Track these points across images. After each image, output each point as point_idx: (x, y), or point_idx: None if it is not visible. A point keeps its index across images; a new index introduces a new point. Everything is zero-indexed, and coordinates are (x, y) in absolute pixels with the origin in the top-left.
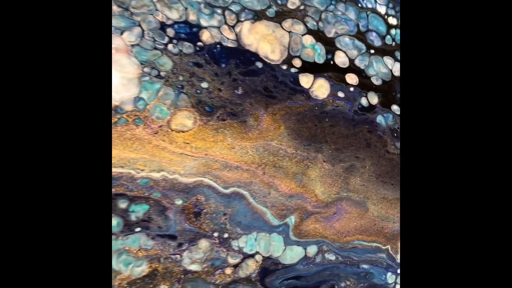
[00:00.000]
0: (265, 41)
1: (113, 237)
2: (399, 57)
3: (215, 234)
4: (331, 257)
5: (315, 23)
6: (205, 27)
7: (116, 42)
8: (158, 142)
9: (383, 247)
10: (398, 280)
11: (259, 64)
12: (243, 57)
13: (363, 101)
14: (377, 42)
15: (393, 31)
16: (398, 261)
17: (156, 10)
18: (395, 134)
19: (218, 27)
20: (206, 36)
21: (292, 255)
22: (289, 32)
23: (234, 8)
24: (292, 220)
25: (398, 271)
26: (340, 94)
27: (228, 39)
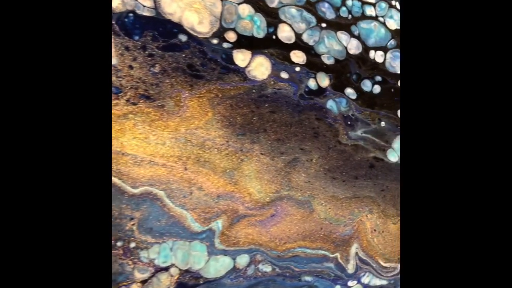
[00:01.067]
0: (191, 10)
1: None
2: (356, 32)
3: (118, 244)
4: (267, 268)
5: None
6: None
7: None
8: None
9: (331, 255)
10: None
11: (183, 37)
12: (162, 28)
13: (311, 83)
14: (330, 15)
15: (349, 2)
16: (349, 271)
17: None
18: (349, 122)
19: None
20: (115, 3)
21: (217, 267)
22: None
23: None
24: (219, 224)
25: (349, 283)
26: (284, 75)
27: (144, 6)
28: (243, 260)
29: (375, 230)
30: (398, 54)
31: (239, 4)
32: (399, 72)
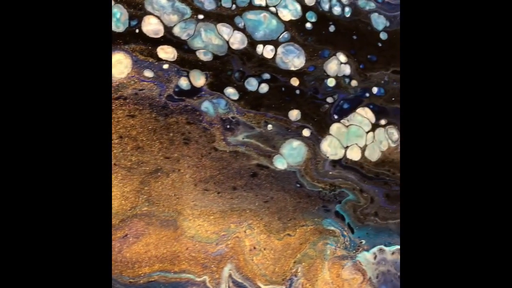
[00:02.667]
0: None
1: None
2: (241, 24)
3: None
4: None
5: None
6: None
7: None
8: None
9: (198, 279)
10: None
11: None
12: None
13: (183, 83)
14: (209, 5)
15: None
16: None
17: None
18: (228, 126)
19: None
20: None
21: None
22: None
23: None
24: None
25: None
26: (148, 74)
27: None
28: None
29: (255, 248)
30: (292, 48)
31: None
32: (292, 68)
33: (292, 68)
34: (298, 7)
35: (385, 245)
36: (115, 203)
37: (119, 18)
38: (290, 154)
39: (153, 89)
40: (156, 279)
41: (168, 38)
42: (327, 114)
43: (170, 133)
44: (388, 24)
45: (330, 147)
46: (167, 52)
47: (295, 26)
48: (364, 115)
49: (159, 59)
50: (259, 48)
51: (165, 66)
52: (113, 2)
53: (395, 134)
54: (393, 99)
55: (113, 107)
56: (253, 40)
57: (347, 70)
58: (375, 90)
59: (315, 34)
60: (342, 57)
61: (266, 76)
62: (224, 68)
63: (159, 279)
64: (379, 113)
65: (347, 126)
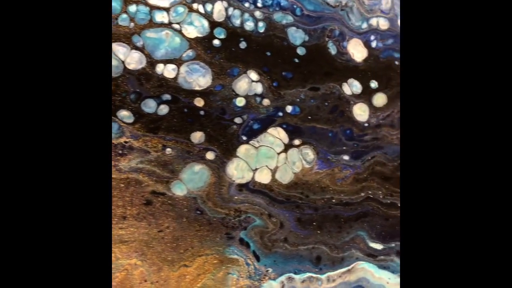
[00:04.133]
0: None
1: None
2: (139, 43)
3: None
4: None
5: None
6: None
7: None
8: None
9: None
10: None
11: None
12: None
13: None
14: None
15: (132, 7)
16: None
17: None
18: (121, 151)
19: None
20: None
21: None
22: None
23: None
24: None
25: None
26: None
27: None
28: None
29: (145, 281)
30: (197, 67)
31: None
32: (197, 88)
33: (197, 88)
34: (205, 23)
35: (295, 273)
36: None
37: None
38: (191, 179)
39: None
40: None
41: None
42: (235, 136)
43: None
44: (307, 38)
45: (236, 170)
46: None
47: (201, 44)
48: (276, 135)
49: None
50: (159, 67)
51: None
52: None
53: (310, 154)
54: (309, 117)
55: None
56: (152, 59)
57: (258, 88)
58: (289, 108)
59: (224, 51)
60: (253, 75)
61: (167, 97)
62: (118, 90)
63: None
64: (293, 133)
65: (256, 148)
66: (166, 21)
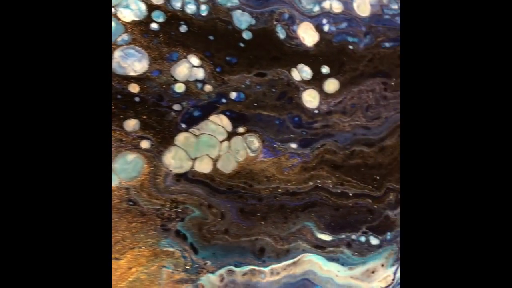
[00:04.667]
0: None
1: None
2: None
3: None
4: None
5: None
6: None
7: None
8: None
9: None
10: None
11: None
12: None
13: None
14: None
15: None
16: None
17: None
18: None
19: None
20: None
21: None
22: None
23: None
24: None
25: None
26: None
27: None
28: None
29: None
30: (132, 51)
31: None
32: (132, 73)
33: (132, 73)
34: (143, 6)
35: (235, 266)
36: None
37: None
38: (124, 169)
39: None
40: None
41: None
42: (173, 123)
43: None
44: (253, 22)
45: (174, 160)
46: None
47: (137, 27)
48: (218, 122)
49: None
50: None
51: None
52: None
53: (255, 142)
54: (255, 104)
55: None
56: None
57: (200, 74)
58: (233, 95)
59: (163, 35)
60: (194, 60)
61: None
62: None
63: None
64: (237, 120)
65: (197, 136)
66: None
